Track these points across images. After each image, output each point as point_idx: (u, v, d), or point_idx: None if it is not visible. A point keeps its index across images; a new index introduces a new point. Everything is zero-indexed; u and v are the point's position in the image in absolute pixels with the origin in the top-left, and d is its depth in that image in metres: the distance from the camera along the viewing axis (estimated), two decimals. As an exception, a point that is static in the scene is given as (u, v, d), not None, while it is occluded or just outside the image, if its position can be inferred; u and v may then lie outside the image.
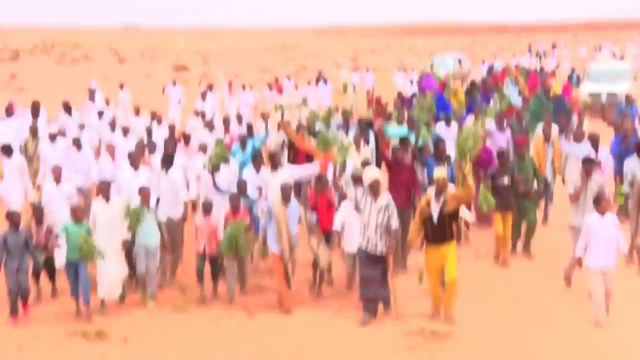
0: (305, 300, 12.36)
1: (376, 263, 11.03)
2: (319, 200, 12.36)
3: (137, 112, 23.24)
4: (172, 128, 19.07)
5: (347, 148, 14.54)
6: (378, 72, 55.82)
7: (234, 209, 12.17)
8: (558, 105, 20.38)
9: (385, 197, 11.03)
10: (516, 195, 13.50)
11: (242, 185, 13.14)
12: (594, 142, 14.91)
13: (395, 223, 11.00)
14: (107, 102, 26.63)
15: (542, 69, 36.79)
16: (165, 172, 13.13)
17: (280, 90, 34.22)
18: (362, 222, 11.00)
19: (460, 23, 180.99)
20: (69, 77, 52.79)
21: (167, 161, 13.27)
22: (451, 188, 11.06)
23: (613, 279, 10.77)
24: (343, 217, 12.01)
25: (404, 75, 41.31)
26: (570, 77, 34.43)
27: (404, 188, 12.96)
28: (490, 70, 34.00)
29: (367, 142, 16.86)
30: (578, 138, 15.40)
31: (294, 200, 11.92)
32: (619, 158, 14.82)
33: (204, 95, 29.16)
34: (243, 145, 16.40)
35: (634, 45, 61.29)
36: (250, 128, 17.94)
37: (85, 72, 61.49)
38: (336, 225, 11.89)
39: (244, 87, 34.14)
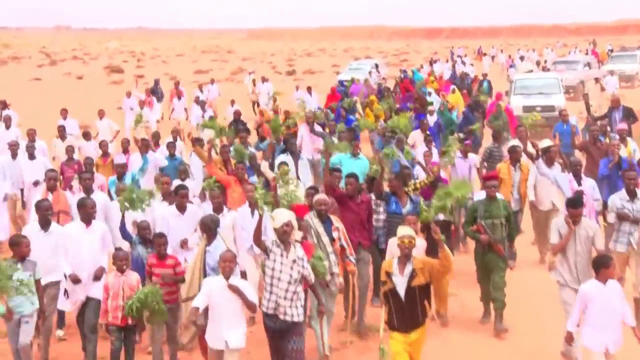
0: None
1: (288, 332, 8.33)
2: None
3: (86, 136, 18.13)
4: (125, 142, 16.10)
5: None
6: (314, 75, 56.06)
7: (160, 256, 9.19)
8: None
9: (299, 248, 8.38)
10: (480, 247, 10.36)
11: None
12: (577, 171, 12.22)
13: (312, 276, 8.46)
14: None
15: (462, 75, 34.53)
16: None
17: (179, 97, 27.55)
18: (268, 280, 8.27)
19: (396, 27, 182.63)
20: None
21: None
22: (419, 248, 8.93)
23: None
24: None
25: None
26: (480, 84, 31.47)
27: (360, 226, 10.47)
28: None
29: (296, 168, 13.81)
30: (550, 162, 12.58)
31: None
32: (610, 185, 12.50)
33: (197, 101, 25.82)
34: (120, 176, 13.06)
35: (551, 53, 60.48)
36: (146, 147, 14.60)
37: (14, 73, 60.15)
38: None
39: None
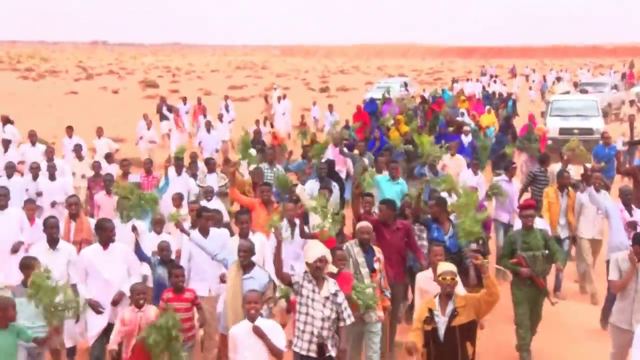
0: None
1: None
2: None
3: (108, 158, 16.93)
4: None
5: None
6: (347, 92, 56.01)
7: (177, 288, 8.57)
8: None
9: (333, 284, 7.69)
10: (521, 282, 9.56)
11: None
12: (628, 200, 11.28)
13: (349, 317, 7.69)
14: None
15: (493, 94, 34.70)
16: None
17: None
18: (302, 317, 7.64)
19: (429, 45, 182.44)
20: (36, 92, 52.14)
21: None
22: (461, 288, 8.20)
23: None
24: None
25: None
26: (505, 104, 30.83)
27: (396, 256, 9.67)
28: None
29: (330, 191, 12.43)
30: (597, 187, 11.86)
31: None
32: None
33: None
34: None
35: (586, 73, 59.70)
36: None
37: (52, 87, 60.99)
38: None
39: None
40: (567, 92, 35.16)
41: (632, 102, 28.56)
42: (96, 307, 8.63)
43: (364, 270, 8.70)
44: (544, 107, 31.08)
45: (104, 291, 8.65)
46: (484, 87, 42.62)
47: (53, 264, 8.31)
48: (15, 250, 10.38)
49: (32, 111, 36.70)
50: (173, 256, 9.76)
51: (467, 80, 47.44)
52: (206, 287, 9.38)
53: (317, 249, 7.63)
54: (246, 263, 8.22)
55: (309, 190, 12.57)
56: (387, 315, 9.05)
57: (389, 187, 12.90)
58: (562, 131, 24.21)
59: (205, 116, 25.04)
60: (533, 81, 54.70)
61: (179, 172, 13.74)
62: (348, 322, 7.65)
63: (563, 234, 12.33)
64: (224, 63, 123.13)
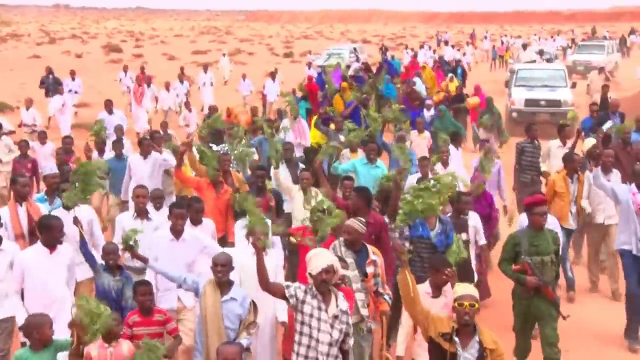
0: None
1: None
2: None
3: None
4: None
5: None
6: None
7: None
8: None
9: (342, 300, 6.35)
10: (525, 292, 7.85)
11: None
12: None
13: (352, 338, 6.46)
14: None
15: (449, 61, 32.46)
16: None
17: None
18: (304, 340, 6.22)
19: (391, 11, 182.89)
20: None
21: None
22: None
23: None
24: None
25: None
26: (453, 70, 28.14)
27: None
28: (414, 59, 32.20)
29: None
30: (606, 169, 10.57)
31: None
32: None
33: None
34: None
35: (537, 41, 58.53)
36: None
37: (14, 51, 60.82)
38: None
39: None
40: (534, 61, 33.97)
41: (600, 70, 26.79)
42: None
43: (352, 274, 7.24)
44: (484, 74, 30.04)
45: (45, 304, 7.10)
46: (434, 52, 42.27)
47: None
48: None
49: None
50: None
51: (421, 47, 46.46)
52: (174, 297, 7.82)
53: (322, 258, 6.21)
54: (225, 280, 6.77)
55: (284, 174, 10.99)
56: (385, 319, 7.63)
57: (366, 172, 11.12)
58: (528, 102, 23.19)
59: (149, 86, 23.19)
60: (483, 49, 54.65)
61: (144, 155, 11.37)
62: (351, 343, 6.42)
63: (574, 225, 10.74)
64: (188, 28, 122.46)
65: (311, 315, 6.06)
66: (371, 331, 7.50)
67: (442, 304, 6.75)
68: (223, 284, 6.74)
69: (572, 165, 10.63)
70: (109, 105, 17.25)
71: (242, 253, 7.49)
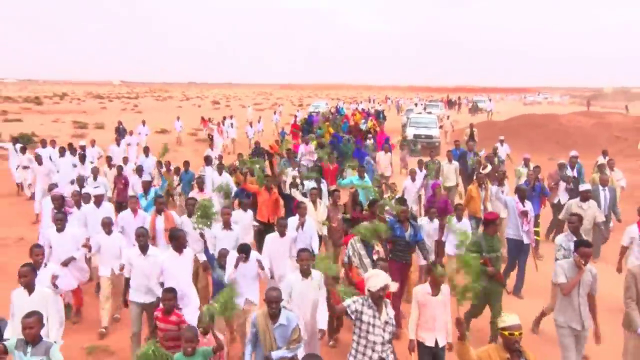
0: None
1: None
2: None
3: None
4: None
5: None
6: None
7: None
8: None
9: (390, 309, 7.42)
10: (484, 279, 9.45)
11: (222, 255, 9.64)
12: (522, 195, 13.11)
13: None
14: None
15: (376, 111, 47.93)
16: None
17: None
18: (362, 341, 7.27)
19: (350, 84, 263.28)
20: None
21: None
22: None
23: None
24: None
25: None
26: (377, 116, 41.84)
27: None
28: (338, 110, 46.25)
29: (320, 196, 13.28)
30: (500, 183, 15.19)
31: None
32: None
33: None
34: (145, 190, 14.23)
35: (409, 102, 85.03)
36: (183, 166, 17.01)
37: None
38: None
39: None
40: (420, 113, 46.09)
41: (447, 117, 43.31)
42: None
43: (366, 261, 9.82)
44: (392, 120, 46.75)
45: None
46: (360, 104, 71.60)
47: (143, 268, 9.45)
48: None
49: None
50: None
51: (359, 103, 77.83)
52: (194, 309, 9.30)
53: (380, 279, 7.28)
54: (276, 312, 7.61)
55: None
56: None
57: (359, 184, 14.48)
58: (415, 136, 33.92)
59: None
60: (392, 102, 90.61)
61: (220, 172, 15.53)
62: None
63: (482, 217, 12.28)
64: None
65: (368, 323, 7.25)
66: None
67: (440, 300, 8.29)
68: (274, 315, 7.61)
69: (480, 180, 15.19)
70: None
71: (294, 279, 8.78)
